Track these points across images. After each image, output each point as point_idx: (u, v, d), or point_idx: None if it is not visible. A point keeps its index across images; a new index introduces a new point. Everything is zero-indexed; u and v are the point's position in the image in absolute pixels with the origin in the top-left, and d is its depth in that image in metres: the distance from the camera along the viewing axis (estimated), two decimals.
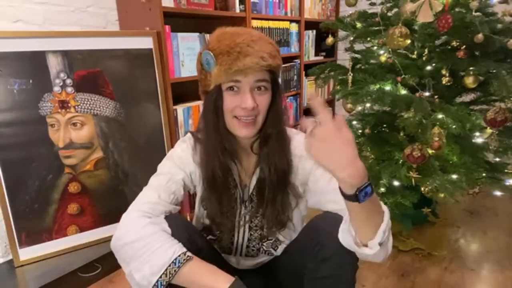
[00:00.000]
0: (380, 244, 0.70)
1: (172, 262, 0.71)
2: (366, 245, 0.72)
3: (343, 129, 0.61)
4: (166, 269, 0.71)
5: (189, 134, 0.96)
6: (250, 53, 0.76)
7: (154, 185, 0.87)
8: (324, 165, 0.62)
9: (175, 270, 0.71)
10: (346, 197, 0.65)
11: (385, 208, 0.72)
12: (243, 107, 0.80)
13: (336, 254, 0.78)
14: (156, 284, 0.71)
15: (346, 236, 0.75)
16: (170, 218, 0.82)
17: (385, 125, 1.77)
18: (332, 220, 0.82)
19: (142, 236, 0.75)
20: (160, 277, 0.71)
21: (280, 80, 0.89)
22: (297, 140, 0.91)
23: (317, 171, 0.88)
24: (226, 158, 0.88)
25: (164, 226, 0.79)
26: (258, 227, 0.97)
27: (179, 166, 0.90)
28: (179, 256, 0.72)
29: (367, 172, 0.65)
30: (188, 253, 0.74)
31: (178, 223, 0.82)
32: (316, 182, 0.89)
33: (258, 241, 0.99)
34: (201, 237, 0.95)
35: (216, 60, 0.79)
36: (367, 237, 0.71)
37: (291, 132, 0.93)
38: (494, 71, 1.35)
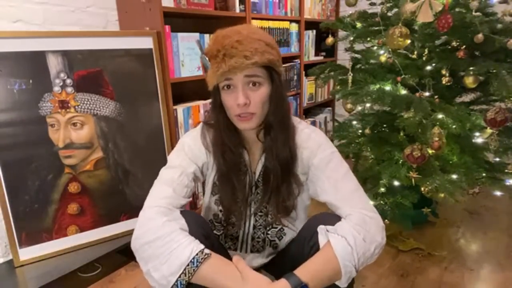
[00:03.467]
0: (351, 278, 0.78)
1: (191, 261, 0.72)
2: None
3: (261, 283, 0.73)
4: (184, 269, 0.72)
5: (201, 124, 0.99)
6: (234, 54, 0.79)
7: (167, 178, 0.88)
8: None
9: (194, 270, 0.72)
10: None
11: (341, 262, 0.75)
12: (236, 103, 0.83)
13: None
14: (176, 283, 0.72)
15: None
16: (185, 213, 0.84)
17: (385, 125, 1.77)
18: (328, 219, 0.83)
19: (160, 235, 0.75)
20: (179, 276, 0.72)
21: (281, 73, 0.89)
22: (305, 133, 0.93)
23: (314, 161, 0.90)
24: (234, 148, 0.92)
25: (182, 223, 0.80)
26: (263, 213, 0.99)
27: (190, 159, 0.92)
28: (197, 255, 0.73)
29: (284, 285, 0.72)
30: (206, 250, 0.75)
31: (193, 219, 0.84)
32: (315, 173, 0.91)
33: (263, 230, 1.00)
34: (213, 234, 0.97)
35: (210, 63, 0.83)
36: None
37: (300, 124, 0.95)
38: (494, 71, 1.35)
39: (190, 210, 0.89)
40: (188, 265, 0.72)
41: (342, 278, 0.76)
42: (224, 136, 0.90)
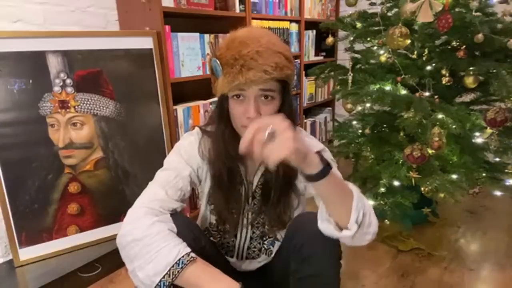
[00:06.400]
0: (358, 223, 0.73)
1: (176, 263, 0.72)
2: (346, 228, 0.74)
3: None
4: (169, 270, 0.71)
5: (197, 128, 0.97)
6: (253, 66, 0.75)
7: (161, 181, 0.87)
8: (299, 150, 0.65)
9: (178, 271, 0.71)
10: (315, 177, 0.68)
11: (353, 188, 0.75)
12: (246, 116, 0.80)
13: (315, 254, 0.79)
14: (159, 284, 0.71)
15: (325, 225, 0.77)
16: (176, 217, 0.83)
17: (385, 125, 1.77)
18: (309, 219, 0.83)
19: (148, 234, 0.75)
20: (163, 277, 0.71)
21: (293, 85, 0.88)
22: (306, 141, 0.92)
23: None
24: (233, 159, 0.90)
25: (171, 225, 0.79)
26: (260, 225, 0.98)
27: (186, 161, 0.91)
28: (183, 257, 0.72)
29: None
30: (192, 254, 0.74)
31: (183, 222, 0.83)
32: None
33: (259, 240, 1.00)
34: (205, 238, 0.96)
35: (222, 69, 0.79)
36: (344, 219, 0.74)
37: (300, 133, 0.94)
38: (494, 71, 1.35)
39: (181, 214, 0.88)
40: (173, 266, 0.71)
41: (352, 216, 0.73)
42: (228, 145, 0.87)
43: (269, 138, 0.61)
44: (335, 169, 0.76)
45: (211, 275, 0.74)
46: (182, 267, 0.71)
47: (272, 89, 0.80)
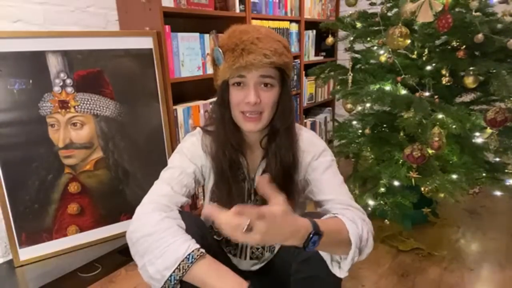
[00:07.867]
0: (358, 248, 0.76)
1: (186, 257, 0.72)
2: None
3: (286, 209, 0.65)
4: (179, 264, 0.71)
5: (198, 128, 0.98)
6: (253, 50, 0.78)
7: (166, 178, 0.89)
8: (271, 242, 0.68)
9: (188, 266, 0.71)
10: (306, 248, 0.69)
11: (353, 238, 0.74)
12: (246, 101, 0.82)
13: (316, 254, 0.79)
14: (170, 278, 0.71)
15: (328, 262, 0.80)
16: (184, 214, 0.84)
17: (385, 125, 1.77)
18: (317, 214, 0.83)
19: (158, 229, 0.75)
20: (174, 271, 0.71)
21: (291, 77, 0.90)
22: (307, 138, 0.94)
23: (314, 163, 0.91)
24: (235, 150, 0.91)
25: (179, 222, 0.80)
26: None
27: (190, 159, 0.92)
28: (193, 252, 0.73)
29: (307, 224, 0.67)
30: (202, 250, 0.74)
31: (191, 219, 0.84)
32: (312, 174, 0.92)
33: None
34: (211, 236, 0.97)
35: (224, 56, 0.82)
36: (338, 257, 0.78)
37: (301, 130, 0.96)
38: (494, 71, 1.35)
39: (187, 211, 0.89)
40: (183, 260, 0.71)
41: (348, 258, 0.75)
42: (228, 132, 0.89)
43: (248, 229, 0.61)
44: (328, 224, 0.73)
45: (220, 272, 0.74)
46: (192, 262, 0.72)
47: (272, 76, 0.83)
